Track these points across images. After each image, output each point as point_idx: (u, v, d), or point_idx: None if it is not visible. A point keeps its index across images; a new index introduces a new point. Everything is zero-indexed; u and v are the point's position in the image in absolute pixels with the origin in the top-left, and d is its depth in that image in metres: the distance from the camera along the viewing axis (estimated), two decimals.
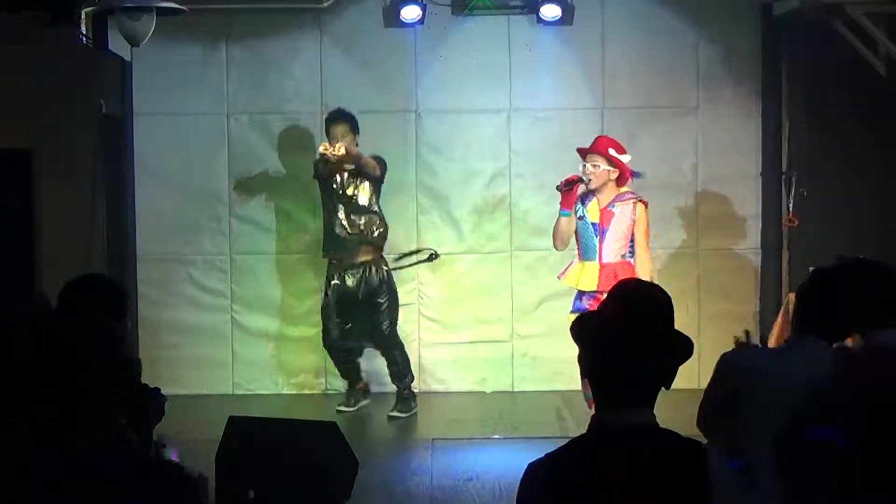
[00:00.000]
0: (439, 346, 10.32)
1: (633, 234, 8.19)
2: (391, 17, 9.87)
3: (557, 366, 9.65)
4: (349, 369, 9.65)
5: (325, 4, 9.93)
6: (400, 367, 9.57)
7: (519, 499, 3.20)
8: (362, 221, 9.28)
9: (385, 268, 9.42)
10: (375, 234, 9.33)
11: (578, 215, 8.27)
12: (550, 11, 9.76)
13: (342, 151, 8.88)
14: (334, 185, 9.27)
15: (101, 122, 9.49)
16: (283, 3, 9.95)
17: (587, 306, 8.13)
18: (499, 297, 10.31)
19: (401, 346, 9.59)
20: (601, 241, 8.17)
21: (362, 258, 9.33)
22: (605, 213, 8.17)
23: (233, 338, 10.31)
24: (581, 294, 8.26)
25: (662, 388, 3.24)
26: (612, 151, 8.18)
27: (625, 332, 3.20)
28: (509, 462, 8.06)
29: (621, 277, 8.00)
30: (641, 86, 10.17)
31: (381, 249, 9.43)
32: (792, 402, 4.03)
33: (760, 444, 4.04)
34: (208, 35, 10.12)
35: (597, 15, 10.13)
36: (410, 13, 9.75)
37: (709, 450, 3.24)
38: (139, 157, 10.20)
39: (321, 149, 9.02)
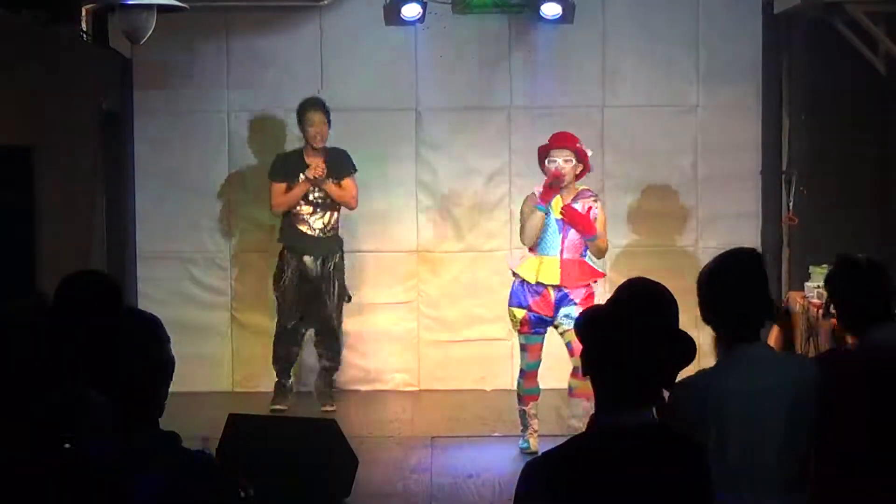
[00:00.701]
0: (438, 344, 10.33)
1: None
2: (392, 15, 9.86)
3: (555, 363, 9.63)
4: (290, 359, 9.63)
5: (326, 2, 9.94)
6: (338, 361, 9.69)
7: (517, 496, 3.20)
8: (326, 219, 9.35)
9: (339, 255, 9.48)
10: (336, 231, 9.46)
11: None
12: (551, 10, 9.75)
13: (319, 173, 9.21)
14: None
15: (102, 120, 9.49)
16: (283, 0, 9.94)
17: (529, 302, 8.16)
18: (498, 294, 10.24)
19: (340, 337, 9.69)
20: (563, 238, 8.17)
21: (321, 251, 9.40)
22: (568, 209, 8.16)
23: (232, 335, 10.32)
24: (524, 287, 8.22)
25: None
26: (579, 146, 8.19)
27: (629, 329, 3.20)
28: (509, 460, 8.11)
29: (580, 275, 8.16)
30: (642, 84, 10.17)
31: (338, 241, 9.52)
32: (762, 408, 3.99)
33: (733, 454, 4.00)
34: (208, 32, 10.12)
35: (597, 13, 10.13)
36: (411, 11, 9.74)
37: (708, 449, 3.24)
38: (139, 155, 10.20)
39: (309, 174, 9.24)
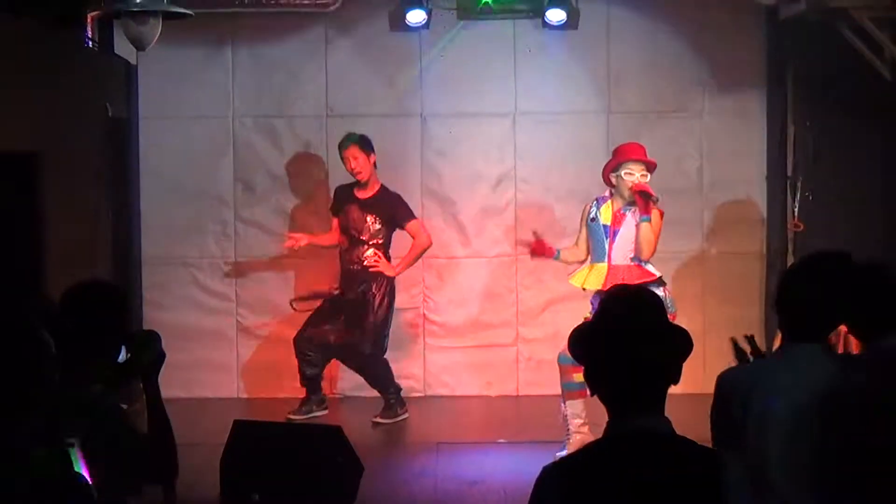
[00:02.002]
0: (444, 350, 10.33)
1: None
2: (397, 21, 9.88)
3: None
4: (314, 376, 9.58)
5: (331, 8, 9.94)
6: (381, 382, 9.56)
7: (532, 501, 3.21)
8: (360, 254, 9.32)
9: (378, 295, 9.36)
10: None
11: (591, 217, 8.24)
12: (556, 16, 9.76)
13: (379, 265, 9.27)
14: (343, 218, 9.40)
15: (107, 126, 9.50)
16: (288, 6, 9.95)
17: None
18: (504, 301, 10.31)
19: (382, 365, 9.52)
20: (611, 243, 8.13)
21: (358, 285, 9.33)
22: (618, 216, 8.13)
23: (238, 341, 10.32)
24: (595, 296, 8.15)
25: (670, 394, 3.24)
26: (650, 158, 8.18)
27: (619, 336, 3.22)
28: (514, 466, 8.08)
29: (628, 277, 8.01)
30: (646, 90, 10.17)
31: (382, 279, 9.39)
32: (802, 411, 3.98)
33: (773, 456, 3.99)
34: (214, 38, 10.13)
35: (602, 19, 10.13)
36: (416, 17, 9.76)
37: (723, 458, 3.24)
38: (144, 160, 10.20)
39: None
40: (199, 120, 10.21)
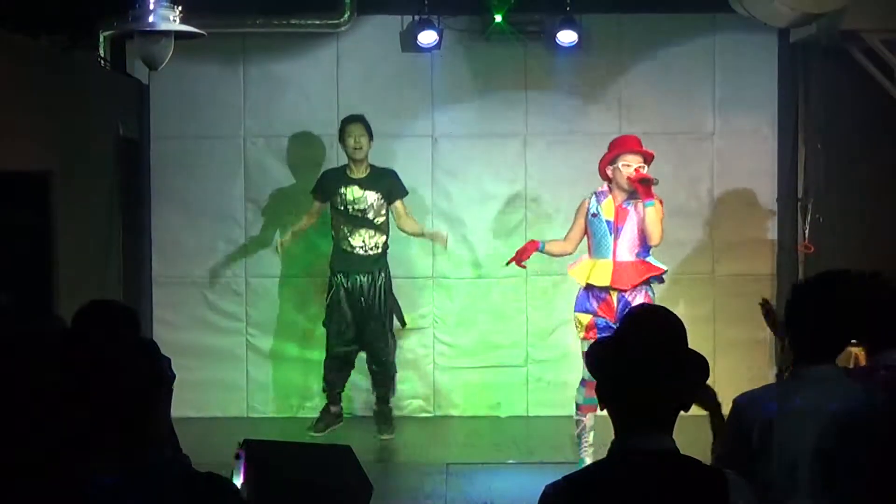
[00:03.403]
0: (454, 370, 10.32)
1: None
2: (408, 42, 9.91)
3: (572, 391, 9.58)
4: (337, 382, 9.60)
5: (343, 28, 9.97)
6: (391, 384, 9.60)
7: None
8: (367, 235, 9.34)
9: (385, 277, 9.46)
10: (379, 249, 9.42)
11: (592, 212, 8.22)
12: (567, 37, 9.78)
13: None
14: (337, 200, 9.38)
15: (119, 145, 9.53)
16: (300, 27, 9.98)
17: (595, 307, 8.10)
18: (514, 321, 10.30)
19: (393, 359, 9.61)
20: (616, 239, 8.10)
21: (367, 270, 9.38)
22: (621, 211, 8.11)
23: (248, 360, 10.32)
24: (588, 293, 8.17)
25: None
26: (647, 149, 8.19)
27: (638, 358, 3.21)
28: (524, 487, 8.05)
29: (634, 275, 8.04)
30: (658, 111, 10.18)
31: (383, 262, 9.48)
32: (828, 434, 3.97)
33: (800, 479, 3.98)
34: (225, 58, 10.16)
35: (613, 41, 10.15)
36: (427, 38, 9.78)
37: (731, 478, 3.23)
38: (156, 180, 10.23)
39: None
40: (211, 140, 10.24)
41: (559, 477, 3.26)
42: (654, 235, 8.05)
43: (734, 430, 4.02)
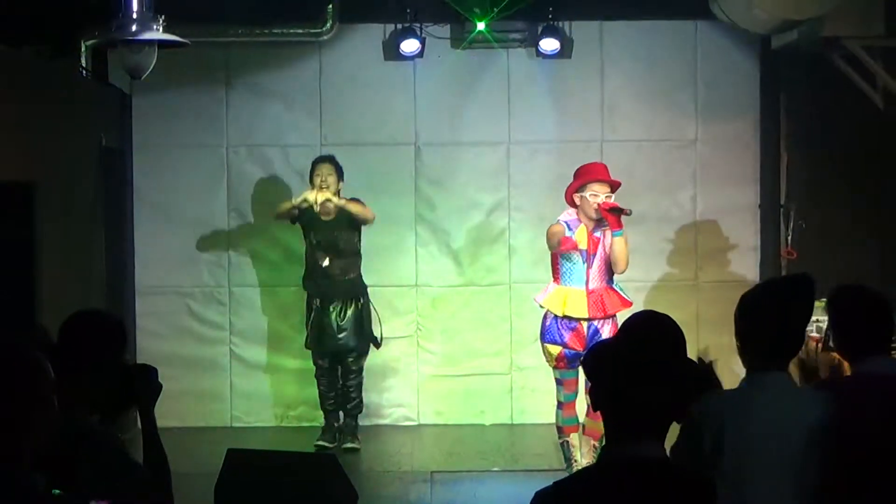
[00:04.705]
0: (438, 379, 10.31)
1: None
2: (391, 50, 9.91)
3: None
4: (332, 397, 9.54)
5: (325, 38, 9.97)
6: (358, 397, 9.57)
7: None
8: (342, 265, 9.32)
9: (362, 301, 9.42)
10: (352, 276, 9.38)
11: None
12: (549, 45, 9.80)
13: (321, 199, 9.04)
14: (310, 232, 9.36)
15: (101, 155, 9.51)
16: (282, 36, 9.97)
17: (566, 338, 8.10)
18: (497, 329, 10.30)
19: (362, 378, 9.58)
20: (588, 268, 8.13)
21: (341, 296, 9.36)
22: (593, 239, 8.14)
23: (231, 370, 10.30)
24: (558, 322, 8.14)
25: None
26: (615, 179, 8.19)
27: (633, 364, 3.20)
28: (509, 495, 8.07)
29: (608, 303, 8.07)
30: (640, 118, 10.20)
31: (359, 285, 9.45)
32: (783, 439, 3.98)
33: (755, 484, 3.99)
34: (208, 67, 10.15)
35: (595, 48, 10.17)
36: (410, 46, 9.79)
37: (717, 486, 3.23)
38: (138, 190, 10.22)
39: (308, 196, 9.13)
40: (193, 149, 10.22)
41: (543, 484, 3.26)
42: (621, 264, 8.10)
43: (686, 435, 4.02)
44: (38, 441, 3.02)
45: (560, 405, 8.22)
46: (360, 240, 9.42)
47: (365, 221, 9.35)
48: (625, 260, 8.08)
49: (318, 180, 9.26)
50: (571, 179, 8.46)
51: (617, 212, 7.99)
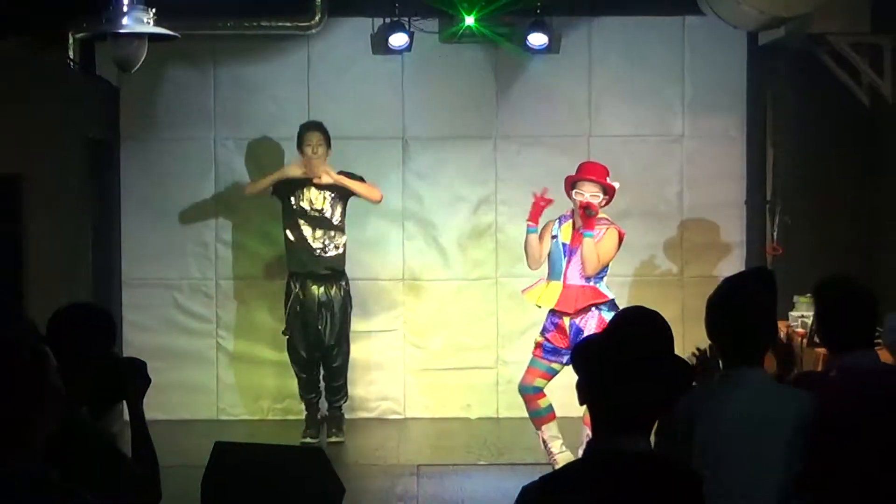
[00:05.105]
0: (424, 372, 10.33)
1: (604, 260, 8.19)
2: (379, 44, 9.90)
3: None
4: (314, 388, 9.58)
5: (313, 31, 9.96)
6: (344, 388, 9.57)
7: None
8: (326, 236, 9.31)
9: (344, 283, 9.42)
10: (340, 249, 9.37)
11: (553, 234, 8.29)
12: (537, 40, 9.79)
13: (326, 179, 9.03)
14: (292, 200, 9.33)
15: (89, 147, 9.50)
16: (270, 29, 9.97)
17: (549, 332, 8.19)
18: (484, 323, 10.32)
19: (346, 367, 9.58)
20: (568, 262, 8.17)
21: (324, 272, 9.35)
22: (577, 235, 8.18)
23: (218, 363, 10.30)
24: (549, 315, 8.25)
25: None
26: (608, 179, 8.21)
27: (620, 360, 3.22)
28: (495, 488, 8.10)
29: (580, 300, 8.10)
30: (627, 114, 10.22)
31: (343, 263, 9.45)
32: (756, 435, 4.00)
33: (726, 479, 4.01)
34: (195, 60, 10.14)
35: (583, 44, 10.19)
36: (398, 40, 9.78)
37: (704, 479, 3.25)
38: (126, 182, 10.21)
39: (295, 171, 9.11)
40: (181, 141, 10.21)
41: (530, 478, 3.27)
42: (589, 265, 8.11)
43: (661, 428, 4.04)
44: (48, 431, 3.04)
45: (523, 398, 8.27)
46: (345, 214, 9.41)
47: (372, 201, 9.42)
48: (592, 263, 8.09)
49: (308, 150, 9.26)
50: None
51: (589, 212, 8.06)
